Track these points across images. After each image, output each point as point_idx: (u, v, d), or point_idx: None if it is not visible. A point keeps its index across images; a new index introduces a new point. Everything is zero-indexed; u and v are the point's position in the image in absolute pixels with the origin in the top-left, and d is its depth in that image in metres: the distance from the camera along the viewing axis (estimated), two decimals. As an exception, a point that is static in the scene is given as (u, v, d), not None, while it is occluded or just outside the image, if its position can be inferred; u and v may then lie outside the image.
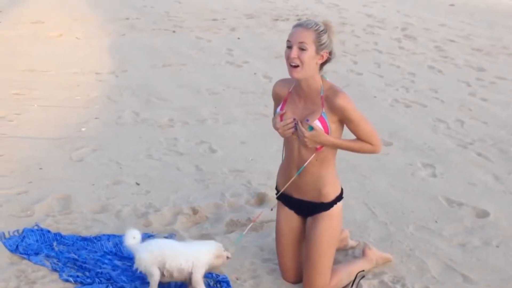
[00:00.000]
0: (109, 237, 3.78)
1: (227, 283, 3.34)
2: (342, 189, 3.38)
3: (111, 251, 3.61)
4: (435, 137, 5.69)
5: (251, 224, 3.76)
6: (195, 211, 4.20)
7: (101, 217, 4.07)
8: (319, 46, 3.10)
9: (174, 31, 9.93)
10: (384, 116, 6.15)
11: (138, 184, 4.58)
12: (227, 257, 3.31)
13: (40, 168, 4.79)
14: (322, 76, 3.21)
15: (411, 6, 12.52)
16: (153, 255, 3.15)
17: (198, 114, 6.18)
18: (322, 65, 3.18)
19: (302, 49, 3.09)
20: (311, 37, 3.09)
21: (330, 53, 3.16)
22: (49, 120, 5.88)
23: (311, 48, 3.09)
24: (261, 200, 4.40)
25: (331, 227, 3.30)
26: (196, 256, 3.19)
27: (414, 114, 6.31)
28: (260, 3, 12.41)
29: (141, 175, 4.74)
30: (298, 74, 3.13)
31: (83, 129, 5.69)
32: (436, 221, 4.14)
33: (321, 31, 3.10)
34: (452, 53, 8.82)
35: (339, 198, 3.34)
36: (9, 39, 8.91)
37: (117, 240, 3.72)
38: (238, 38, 9.50)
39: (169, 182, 4.65)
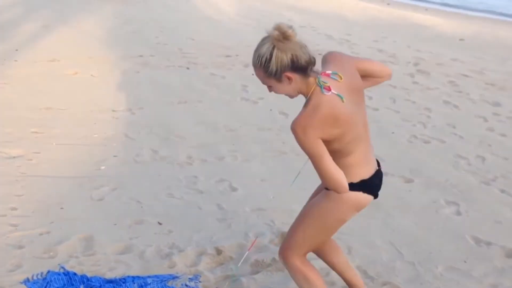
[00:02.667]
0: (133, 278, 3.74)
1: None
2: (362, 181, 3.00)
3: (137, 294, 3.57)
4: (456, 174, 5.63)
5: (246, 254, 3.75)
6: (219, 251, 4.15)
7: (124, 258, 4.03)
8: (274, 76, 2.80)
9: (188, 68, 9.99)
10: (403, 152, 6.11)
11: (160, 223, 4.55)
12: None
13: (61, 208, 4.77)
14: (317, 85, 2.80)
15: (422, 41, 12.56)
16: None
17: (216, 151, 6.17)
18: (300, 75, 2.79)
19: (268, 86, 2.92)
20: (262, 75, 2.83)
21: (294, 62, 2.75)
22: (68, 159, 5.87)
23: (270, 82, 2.85)
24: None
25: (323, 203, 3.03)
26: None
27: (433, 150, 6.27)
28: (272, 39, 12.51)
29: (163, 214, 4.71)
30: (292, 98, 2.97)
31: (102, 167, 5.68)
32: (465, 261, 4.07)
33: (265, 61, 2.75)
34: (467, 88, 8.81)
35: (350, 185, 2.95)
36: (25, 77, 8.97)
37: (142, 281, 3.69)
38: (252, 74, 9.50)
39: (191, 221, 4.61)
